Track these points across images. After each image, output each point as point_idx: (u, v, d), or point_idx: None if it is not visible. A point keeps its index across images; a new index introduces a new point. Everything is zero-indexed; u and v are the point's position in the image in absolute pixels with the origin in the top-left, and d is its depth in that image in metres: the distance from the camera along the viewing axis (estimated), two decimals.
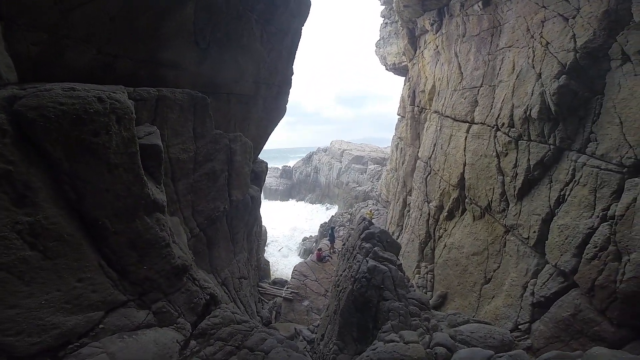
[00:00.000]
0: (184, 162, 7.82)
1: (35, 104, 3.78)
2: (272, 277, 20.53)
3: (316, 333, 10.75)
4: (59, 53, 5.30)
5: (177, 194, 7.75)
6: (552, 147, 8.37)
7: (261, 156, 14.04)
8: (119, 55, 6.27)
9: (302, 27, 12.90)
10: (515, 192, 9.32)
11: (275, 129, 14.48)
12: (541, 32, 9.17)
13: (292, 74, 13.95)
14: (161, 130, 6.53)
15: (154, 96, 6.57)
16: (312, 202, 50.76)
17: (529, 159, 8.97)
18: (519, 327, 8.20)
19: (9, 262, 3.60)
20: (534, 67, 9.20)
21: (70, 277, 4.14)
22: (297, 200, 53.33)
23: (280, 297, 16.13)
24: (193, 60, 8.06)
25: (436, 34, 16.70)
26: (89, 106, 4.14)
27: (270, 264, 23.00)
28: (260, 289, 16.40)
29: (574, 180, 7.68)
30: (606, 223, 6.68)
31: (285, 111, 14.42)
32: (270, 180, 51.94)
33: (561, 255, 7.50)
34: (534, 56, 9.29)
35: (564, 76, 8.01)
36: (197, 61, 8.18)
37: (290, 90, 14.19)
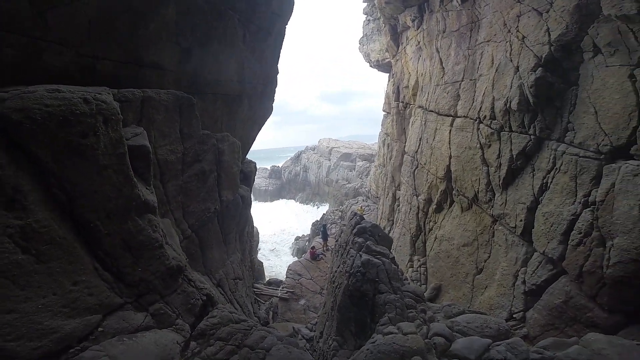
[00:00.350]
0: (173, 163, 7.76)
1: (20, 105, 3.74)
2: (267, 278, 20.48)
3: (315, 331, 10.74)
4: (36, 56, 5.16)
5: (167, 195, 7.68)
6: (532, 137, 8.64)
7: (249, 157, 14.01)
8: (99, 57, 6.14)
9: (286, 26, 12.93)
10: (500, 182, 9.56)
11: (262, 129, 14.48)
12: (517, 27, 9.41)
13: (277, 73, 13.96)
14: (148, 131, 6.48)
15: (138, 97, 6.51)
16: (303, 201, 50.78)
17: (511, 149, 9.23)
18: (514, 316, 8.24)
19: (2, 266, 3.56)
20: (511, 61, 9.45)
21: (65, 280, 4.11)
22: (287, 199, 53.25)
23: (276, 297, 16.09)
24: (175, 61, 7.99)
25: (417, 30, 16.94)
26: (75, 107, 4.11)
27: (264, 264, 22.93)
28: (255, 290, 16.34)
29: (555, 168, 7.90)
30: (588, 209, 6.80)
31: (271, 110, 14.42)
32: (259, 180, 51.69)
33: (548, 242, 7.60)
34: (511, 50, 9.54)
35: (540, 69, 8.25)
36: (179, 61, 8.11)
37: (276, 89, 14.20)
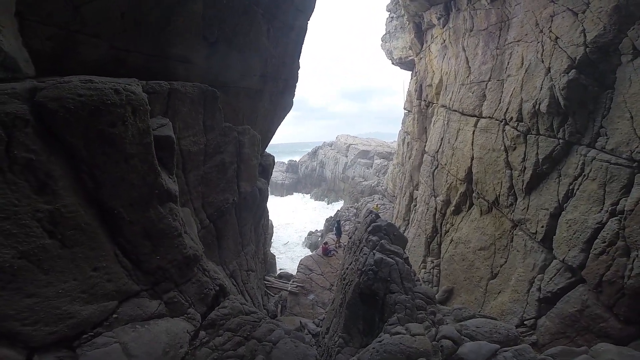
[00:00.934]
0: (195, 154, 7.93)
1: (55, 95, 3.88)
2: (278, 271, 20.73)
3: (321, 326, 10.82)
4: (72, 48, 5.43)
5: (188, 185, 7.88)
6: (561, 141, 8.33)
7: (268, 150, 14.14)
8: (130, 50, 6.39)
9: (308, 22, 12.90)
10: (524, 187, 9.29)
11: (282, 123, 14.55)
12: (550, 27, 9.08)
13: (299, 68, 13.96)
14: (173, 122, 6.64)
15: (165, 89, 6.67)
16: (318, 197, 50.91)
17: (537, 153, 8.93)
18: (525, 322, 8.17)
19: (29, 251, 3.66)
20: (543, 62, 9.13)
21: (86, 266, 4.23)
22: (303, 194, 53.52)
23: (286, 290, 16.27)
24: (202, 55, 8.15)
25: (443, 28, 16.55)
26: (106, 97, 4.24)
27: (276, 257, 23.20)
28: (266, 282, 16.56)
29: (583, 174, 7.63)
30: (615, 218, 6.62)
31: (291, 105, 14.47)
32: (276, 174, 52.20)
33: (569, 250, 7.45)
34: (543, 50, 9.21)
35: (573, 70, 7.94)
36: (205, 56, 8.26)
37: (297, 84, 14.22)
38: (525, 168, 9.32)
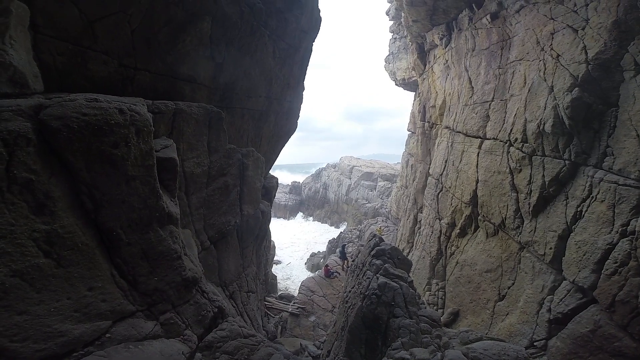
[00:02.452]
0: (198, 176, 7.91)
1: (59, 113, 3.89)
2: (279, 292, 20.32)
3: (322, 349, 10.52)
4: (82, 64, 5.51)
5: (190, 207, 7.82)
6: (567, 162, 8.22)
7: (271, 171, 14.16)
8: (139, 68, 6.50)
9: (313, 43, 13.22)
10: (530, 209, 9.12)
11: (287, 144, 14.66)
12: (551, 45, 9.10)
13: (304, 89, 14.20)
14: (177, 143, 6.67)
15: (171, 109, 6.74)
16: (321, 219, 50.57)
17: (543, 175, 8.81)
18: (535, 343, 7.97)
19: (23, 269, 3.62)
20: (545, 80, 9.10)
21: (81, 285, 4.15)
22: (306, 216, 53.23)
23: (287, 312, 15.92)
24: (209, 75, 8.29)
25: (445, 48, 16.82)
26: (110, 117, 4.26)
27: (277, 278, 22.82)
28: (267, 303, 16.24)
29: (591, 196, 7.50)
30: (626, 239, 6.52)
31: (296, 127, 14.61)
32: (279, 195, 52.17)
33: (579, 271, 7.32)
34: (545, 69, 9.21)
35: (576, 89, 7.90)
36: (212, 76, 8.41)
37: (301, 106, 14.42)
38: (531, 191, 9.18)
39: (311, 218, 52.29)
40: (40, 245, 3.78)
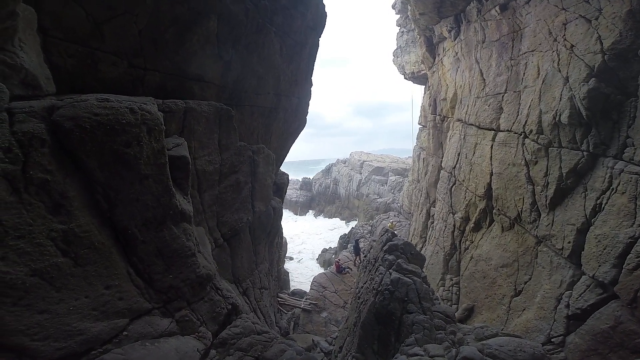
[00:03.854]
0: (210, 174, 7.97)
1: (72, 114, 3.95)
2: (291, 288, 20.44)
3: (334, 345, 10.54)
4: (92, 65, 5.59)
5: (203, 204, 7.89)
6: (585, 153, 7.98)
7: (281, 168, 14.18)
8: (148, 68, 6.56)
9: (319, 39, 13.13)
10: (547, 202, 8.89)
11: (296, 140, 14.65)
12: (564, 35, 8.87)
13: (311, 85, 14.14)
14: (188, 142, 6.71)
15: (181, 108, 6.79)
16: (332, 215, 50.57)
17: (560, 167, 8.57)
18: (552, 340, 7.80)
19: (42, 269, 3.70)
20: (560, 71, 8.86)
21: (98, 284, 4.23)
22: (317, 212, 53.32)
23: (299, 308, 16.00)
24: (217, 73, 8.31)
25: (454, 40, 16.49)
26: (122, 117, 4.30)
27: (289, 274, 22.95)
28: (279, 299, 16.34)
29: (611, 188, 7.26)
30: None
31: (305, 123, 14.58)
32: (290, 192, 52.33)
33: (599, 266, 7.10)
34: (559, 60, 8.97)
35: (593, 79, 7.68)
36: (220, 74, 8.42)
37: (310, 101, 14.37)
38: (548, 183, 8.95)
39: (322, 215, 52.35)
40: (58, 245, 3.85)
